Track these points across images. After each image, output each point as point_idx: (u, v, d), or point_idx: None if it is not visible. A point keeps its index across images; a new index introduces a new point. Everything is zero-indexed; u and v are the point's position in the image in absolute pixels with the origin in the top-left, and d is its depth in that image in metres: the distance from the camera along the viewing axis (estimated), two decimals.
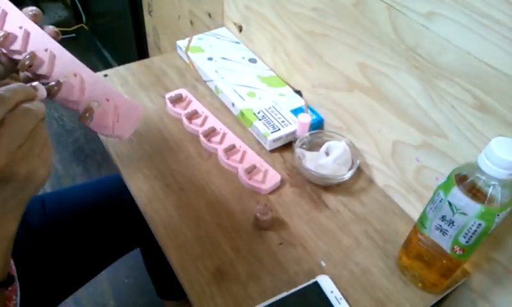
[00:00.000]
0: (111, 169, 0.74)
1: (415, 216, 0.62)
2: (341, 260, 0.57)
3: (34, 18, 0.49)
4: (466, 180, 0.44)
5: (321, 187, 0.66)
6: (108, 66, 2.07)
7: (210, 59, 0.85)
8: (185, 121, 0.73)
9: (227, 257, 0.56)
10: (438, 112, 0.53)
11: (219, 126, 0.73)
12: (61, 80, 0.45)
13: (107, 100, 0.46)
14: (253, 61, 0.86)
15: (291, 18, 0.73)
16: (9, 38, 0.47)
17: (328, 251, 0.58)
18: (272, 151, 0.72)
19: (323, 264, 0.57)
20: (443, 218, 0.47)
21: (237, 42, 0.91)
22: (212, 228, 0.59)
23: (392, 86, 0.58)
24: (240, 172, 0.65)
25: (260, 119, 0.73)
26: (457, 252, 0.48)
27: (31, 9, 0.49)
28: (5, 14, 0.47)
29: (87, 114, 0.45)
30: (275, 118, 0.73)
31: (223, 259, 0.56)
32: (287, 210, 0.63)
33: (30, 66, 0.46)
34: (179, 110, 0.75)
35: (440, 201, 0.46)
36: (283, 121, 0.73)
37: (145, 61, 0.89)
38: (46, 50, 0.47)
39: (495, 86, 0.46)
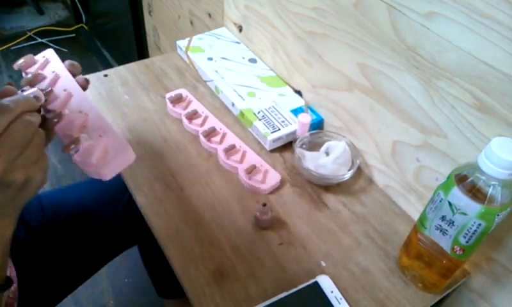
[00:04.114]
0: None
1: (415, 216, 0.62)
2: (341, 260, 0.57)
3: (71, 68, 0.54)
4: (466, 180, 0.44)
5: (321, 187, 0.66)
6: (108, 66, 2.07)
7: (210, 59, 0.85)
8: (185, 121, 0.73)
9: (227, 257, 0.56)
10: (438, 112, 0.53)
11: (219, 126, 0.73)
12: (63, 113, 0.46)
13: (100, 136, 0.46)
14: (253, 61, 0.86)
15: (291, 18, 0.73)
16: (38, 77, 0.52)
17: (328, 251, 0.58)
18: (272, 151, 0.72)
19: (323, 264, 0.57)
20: (443, 218, 0.47)
21: (237, 42, 0.91)
22: (212, 228, 0.59)
23: (392, 86, 0.58)
24: (240, 172, 0.65)
25: (260, 119, 0.73)
26: (457, 252, 0.48)
27: (72, 62, 0.54)
28: (47, 62, 0.54)
29: (72, 146, 0.45)
30: (275, 118, 0.73)
31: (223, 259, 0.56)
32: (287, 210, 0.63)
33: (45, 100, 0.47)
34: (179, 110, 0.75)
35: (440, 201, 0.46)
36: (283, 121, 0.73)
37: (145, 61, 0.89)
38: (65, 90, 0.50)
39: (495, 86, 0.46)
